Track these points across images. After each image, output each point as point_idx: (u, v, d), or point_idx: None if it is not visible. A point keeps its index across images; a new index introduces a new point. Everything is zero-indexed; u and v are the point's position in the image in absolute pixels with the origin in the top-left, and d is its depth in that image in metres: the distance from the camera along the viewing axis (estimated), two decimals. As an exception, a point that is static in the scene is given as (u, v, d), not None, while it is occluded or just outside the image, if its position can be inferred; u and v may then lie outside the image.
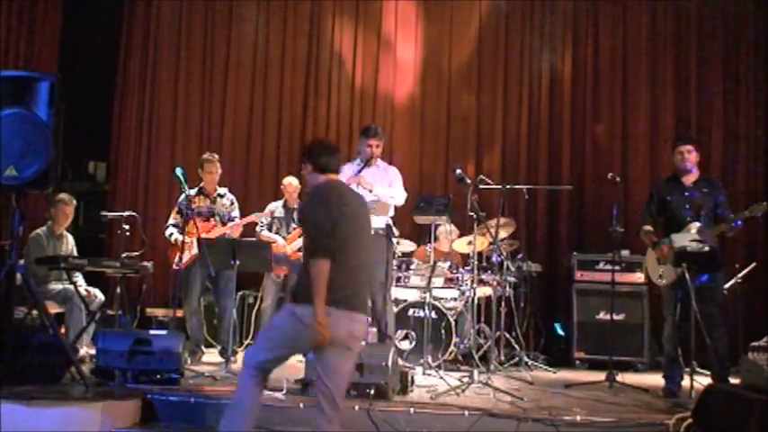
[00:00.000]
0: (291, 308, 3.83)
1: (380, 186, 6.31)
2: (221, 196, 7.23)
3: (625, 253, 7.59)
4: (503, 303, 7.41)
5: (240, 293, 8.26)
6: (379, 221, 6.31)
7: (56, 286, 6.85)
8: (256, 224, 7.86)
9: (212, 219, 7.07)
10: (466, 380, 5.67)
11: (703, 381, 5.26)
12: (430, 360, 6.58)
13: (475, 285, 6.76)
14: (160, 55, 9.71)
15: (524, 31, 9.46)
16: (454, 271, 7.32)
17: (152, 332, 5.48)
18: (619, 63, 9.19)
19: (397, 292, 7.17)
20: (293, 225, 8.09)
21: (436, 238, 7.43)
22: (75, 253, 7.14)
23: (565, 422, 4.47)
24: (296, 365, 6.47)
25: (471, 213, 6.38)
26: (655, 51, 9.09)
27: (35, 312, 5.43)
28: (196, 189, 7.06)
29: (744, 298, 7.47)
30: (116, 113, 9.65)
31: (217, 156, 7.28)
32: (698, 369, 5.48)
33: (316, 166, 4.12)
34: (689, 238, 5.61)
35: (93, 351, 6.02)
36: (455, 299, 7.33)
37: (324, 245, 3.74)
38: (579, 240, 8.83)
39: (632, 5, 9.23)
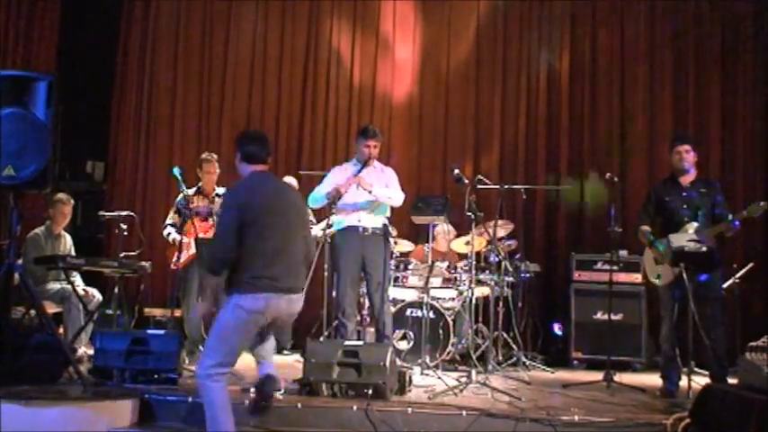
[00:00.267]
0: (231, 300, 4.16)
1: (378, 187, 6.31)
2: (220, 196, 7.23)
3: (623, 253, 7.59)
4: (501, 303, 7.43)
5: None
6: (376, 221, 6.32)
7: (54, 286, 6.85)
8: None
9: (210, 218, 7.06)
10: (464, 380, 5.67)
11: (701, 381, 5.26)
12: (428, 360, 6.59)
13: (473, 285, 6.76)
14: (158, 55, 9.71)
15: (522, 32, 9.46)
16: (452, 271, 7.33)
17: (150, 332, 5.49)
18: (617, 63, 9.18)
19: (394, 292, 7.18)
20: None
21: (433, 238, 7.43)
22: (73, 253, 7.14)
23: (563, 422, 4.47)
24: (294, 365, 6.50)
25: (469, 213, 6.38)
26: (653, 51, 9.09)
27: (33, 312, 5.43)
28: (194, 189, 7.06)
29: (742, 298, 7.47)
30: (114, 113, 9.65)
31: (215, 156, 7.27)
32: (696, 369, 5.47)
33: (243, 156, 4.41)
34: (687, 238, 5.62)
35: (91, 351, 6.03)
36: (453, 299, 7.33)
37: (217, 252, 4.24)
38: (577, 240, 8.83)
39: (630, 5, 9.22)
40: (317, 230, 7.75)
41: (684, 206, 5.87)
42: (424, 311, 6.69)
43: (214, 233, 4.52)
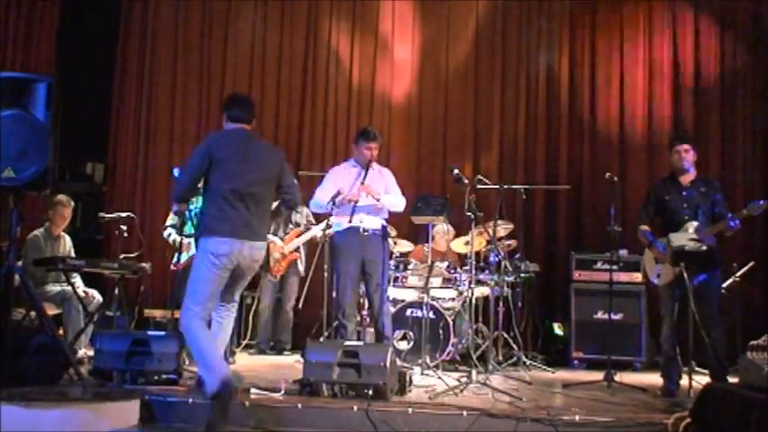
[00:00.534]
0: (200, 244, 4.72)
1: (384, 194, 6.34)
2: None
3: (623, 252, 7.60)
4: (501, 303, 7.43)
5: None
6: (376, 222, 6.32)
7: (54, 287, 6.85)
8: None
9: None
10: (464, 380, 5.66)
11: (702, 380, 5.26)
12: (428, 360, 6.58)
13: (473, 285, 6.76)
14: (157, 56, 9.72)
15: (522, 32, 9.46)
16: (452, 271, 7.33)
17: (150, 333, 5.47)
18: (616, 62, 9.19)
19: (394, 292, 7.18)
20: (290, 225, 8.10)
21: (432, 238, 7.43)
22: (73, 254, 7.14)
23: (563, 422, 4.46)
24: (295, 366, 6.50)
25: (469, 213, 6.38)
26: (652, 51, 9.10)
27: (33, 314, 5.42)
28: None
29: (742, 297, 7.47)
30: (114, 114, 9.66)
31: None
32: (696, 368, 5.47)
33: (228, 117, 4.98)
34: (687, 237, 5.62)
35: (91, 352, 6.02)
36: (453, 299, 7.33)
37: (179, 182, 4.89)
38: (577, 240, 8.83)
39: (629, 5, 9.23)
40: (316, 231, 7.76)
41: (684, 205, 5.87)
42: (424, 311, 6.69)
43: (183, 168, 4.94)
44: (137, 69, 9.69)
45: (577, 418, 4.52)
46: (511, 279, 7.60)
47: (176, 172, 6.37)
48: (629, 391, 5.85)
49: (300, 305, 7.90)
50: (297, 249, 8.06)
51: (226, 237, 4.68)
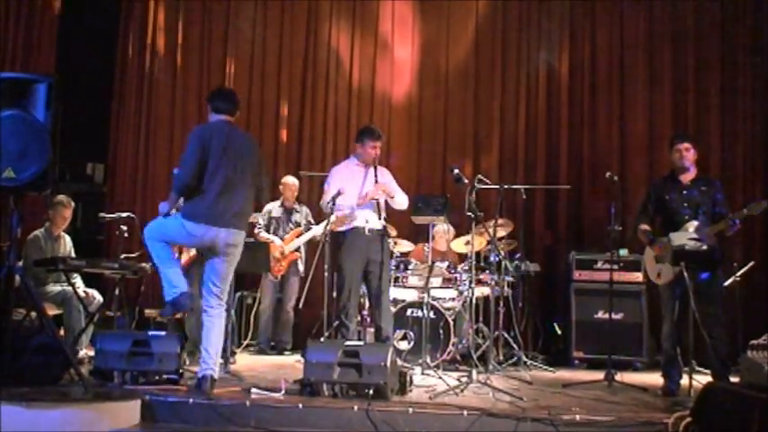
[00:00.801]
0: (179, 217, 5.10)
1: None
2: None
3: (623, 252, 7.61)
4: (501, 303, 7.43)
5: (238, 294, 8.27)
6: (379, 222, 6.32)
7: (54, 288, 6.85)
8: (254, 225, 7.87)
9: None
10: (464, 380, 5.66)
11: (702, 379, 5.25)
12: (428, 360, 6.58)
13: (473, 285, 6.76)
14: (158, 56, 9.72)
15: (521, 31, 9.47)
16: (452, 271, 7.33)
17: (150, 333, 5.46)
18: (616, 62, 9.19)
19: (395, 292, 7.18)
20: (291, 225, 8.11)
21: (433, 238, 7.44)
22: (73, 254, 7.13)
23: (564, 422, 4.46)
24: (295, 366, 6.50)
25: (469, 213, 6.38)
26: (652, 50, 9.10)
27: (34, 314, 5.42)
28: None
29: (743, 296, 7.47)
30: (114, 115, 9.66)
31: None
32: (697, 368, 5.48)
33: (212, 108, 5.31)
34: (687, 236, 5.62)
35: (91, 352, 6.02)
36: (453, 299, 7.33)
37: (180, 178, 5.09)
38: (577, 240, 8.83)
39: (629, 5, 9.23)
40: (317, 231, 7.76)
41: (685, 204, 5.86)
42: (425, 311, 6.69)
43: (181, 162, 5.17)
44: (137, 70, 9.68)
45: (578, 417, 4.52)
46: (511, 279, 7.61)
47: (176, 172, 6.39)
48: (629, 390, 5.85)
49: (301, 305, 7.89)
50: (297, 249, 8.06)
51: (202, 223, 5.02)
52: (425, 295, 6.74)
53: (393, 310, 6.86)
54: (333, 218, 6.25)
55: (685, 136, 6.30)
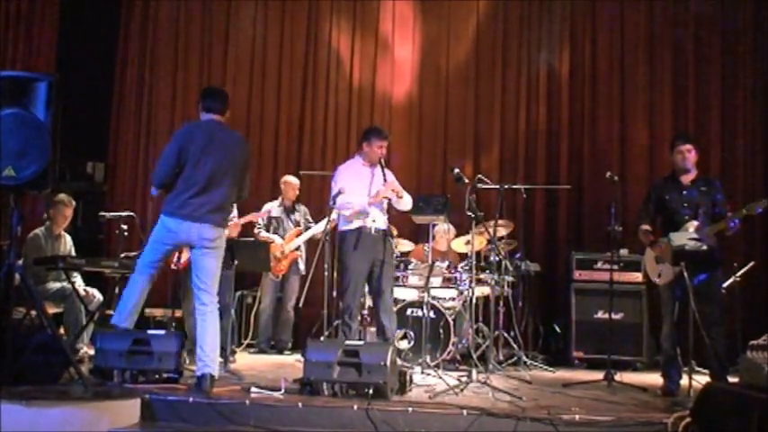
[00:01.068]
0: (160, 217, 5.22)
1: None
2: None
3: (623, 252, 7.61)
4: (501, 303, 7.43)
5: (238, 293, 8.28)
6: (384, 222, 6.32)
7: (54, 286, 6.85)
8: (255, 224, 7.87)
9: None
10: (464, 379, 5.66)
11: (702, 380, 5.25)
12: (428, 359, 6.59)
13: (473, 285, 6.76)
14: (158, 55, 9.73)
15: (522, 32, 9.46)
16: (452, 270, 7.33)
17: (150, 332, 5.46)
18: (617, 63, 9.19)
19: (395, 292, 7.17)
20: (290, 224, 8.11)
21: (433, 238, 7.44)
22: (74, 253, 7.14)
23: (563, 421, 4.46)
24: (295, 365, 6.50)
25: (469, 213, 6.38)
26: (653, 51, 9.09)
27: (34, 313, 5.42)
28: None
29: (743, 297, 7.47)
30: (114, 114, 9.67)
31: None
32: (696, 368, 5.48)
33: (203, 107, 5.39)
34: (687, 236, 5.62)
35: (91, 351, 6.02)
36: (453, 298, 7.34)
37: (155, 174, 5.30)
38: (578, 240, 8.83)
39: (630, 6, 9.23)
40: (317, 230, 7.77)
41: (685, 205, 5.86)
42: (425, 311, 6.69)
43: (159, 158, 5.33)
44: (137, 69, 9.70)
45: (577, 417, 4.52)
46: (511, 279, 7.61)
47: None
48: (629, 390, 5.86)
49: (301, 304, 7.89)
50: (297, 248, 8.07)
51: (180, 219, 5.14)
52: (425, 295, 6.75)
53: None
54: (333, 216, 6.25)
55: (687, 137, 6.28)
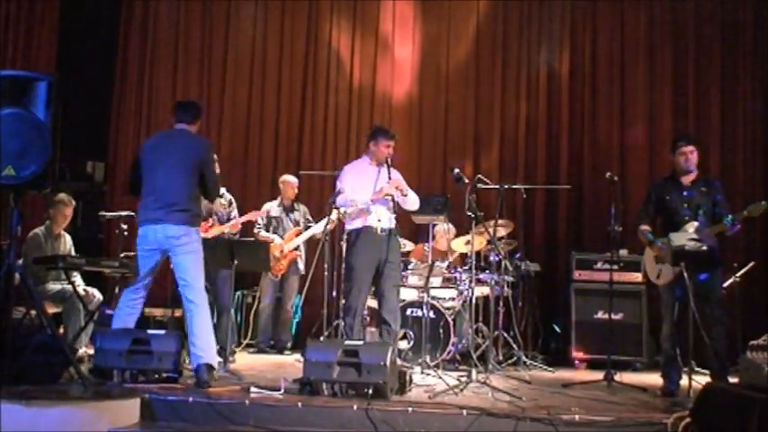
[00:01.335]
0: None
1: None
2: (220, 196, 7.22)
3: (623, 252, 7.60)
4: (501, 303, 7.43)
5: (238, 293, 8.28)
6: (391, 221, 6.32)
7: (54, 286, 6.85)
8: (254, 224, 7.87)
9: (210, 218, 7.07)
10: (464, 379, 5.65)
11: (702, 380, 5.25)
12: (428, 359, 6.58)
13: (473, 285, 6.76)
14: (158, 55, 9.73)
15: (522, 32, 9.47)
16: (452, 270, 7.33)
17: (150, 332, 5.46)
18: (617, 63, 9.20)
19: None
20: (290, 224, 8.11)
21: (433, 237, 7.44)
22: (74, 253, 7.14)
23: (563, 421, 4.46)
24: (295, 365, 6.50)
25: (469, 213, 6.38)
26: (653, 51, 9.10)
27: (33, 312, 5.42)
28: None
29: (742, 297, 7.47)
30: (114, 113, 9.67)
31: (215, 156, 7.27)
32: (696, 368, 5.47)
33: (175, 119, 5.67)
34: (687, 237, 5.62)
35: (91, 351, 6.02)
36: (453, 298, 7.34)
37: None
38: (577, 240, 8.83)
39: (630, 6, 9.24)
40: (316, 229, 7.77)
41: (685, 205, 5.86)
42: (425, 311, 6.69)
43: None
44: (137, 69, 9.70)
45: (577, 417, 4.52)
46: (511, 279, 7.61)
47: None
48: (629, 390, 5.85)
49: (301, 303, 7.90)
50: (296, 248, 8.07)
51: (144, 224, 5.41)
52: (425, 295, 6.74)
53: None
54: (333, 216, 6.24)
55: (689, 138, 6.23)
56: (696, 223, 5.75)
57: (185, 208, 5.38)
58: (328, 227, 6.88)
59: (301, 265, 8.12)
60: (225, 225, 7.10)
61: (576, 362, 7.71)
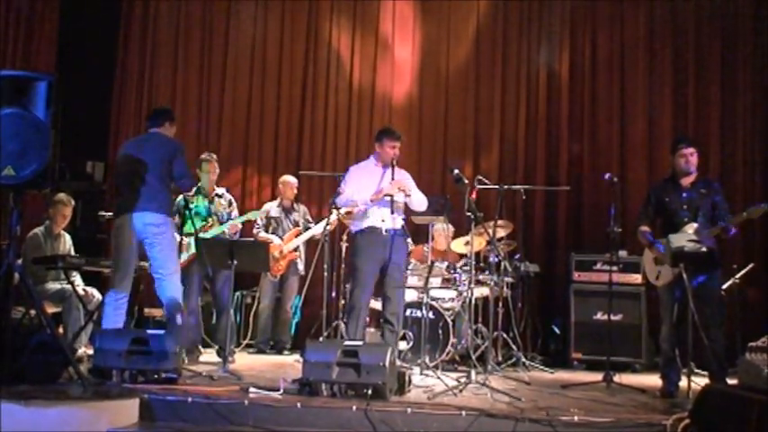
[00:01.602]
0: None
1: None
2: (219, 196, 7.23)
3: (623, 253, 7.60)
4: (500, 304, 7.43)
5: (237, 293, 8.28)
6: (397, 222, 6.32)
7: (53, 286, 6.85)
8: (253, 224, 7.87)
9: (210, 219, 7.07)
10: (463, 380, 5.65)
11: (701, 381, 5.25)
12: (427, 360, 6.59)
13: (472, 286, 6.76)
14: (158, 55, 9.73)
15: (522, 32, 9.47)
16: (452, 271, 7.33)
17: (150, 332, 5.45)
18: (617, 64, 9.20)
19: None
20: (289, 225, 8.11)
21: (432, 238, 7.44)
22: (73, 252, 7.14)
23: (562, 422, 4.45)
24: (294, 365, 6.50)
25: (469, 214, 6.38)
26: (653, 52, 9.10)
27: (33, 312, 5.42)
28: (194, 189, 7.06)
29: (742, 298, 7.47)
30: (114, 113, 9.67)
31: (215, 156, 7.29)
32: (695, 369, 5.47)
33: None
34: (686, 238, 5.62)
35: (90, 351, 6.02)
36: (452, 299, 7.33)
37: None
38: (577, 241, 8.84)
39: (630, 6, 9.24)
40: (316, 230, 7.77)
41: (684, 207, 5.86)
42: (424, 312, 6.69)
43: None
44: (137, 68, 9.70)
45: (576, 418, 4.52)
46: (510, 279, 7.61)
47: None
48: (628, 391, 5.85)
49: (300, 304, 7.90)
50: (296, 249, 8.07)
51: (122, 214, 5.78)
52: (425, 295, 6.74)
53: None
54: (332, 217, 6.24)
55: (689, 140, 6.22)
56: (695, 225, 5.75)
57: (161, 200, 5.81)
58: (328, 227, 6.88)
59: (301, 266, 8.12)
60: (224, 226, 7.09)
61: (575, 363, 7.71)
